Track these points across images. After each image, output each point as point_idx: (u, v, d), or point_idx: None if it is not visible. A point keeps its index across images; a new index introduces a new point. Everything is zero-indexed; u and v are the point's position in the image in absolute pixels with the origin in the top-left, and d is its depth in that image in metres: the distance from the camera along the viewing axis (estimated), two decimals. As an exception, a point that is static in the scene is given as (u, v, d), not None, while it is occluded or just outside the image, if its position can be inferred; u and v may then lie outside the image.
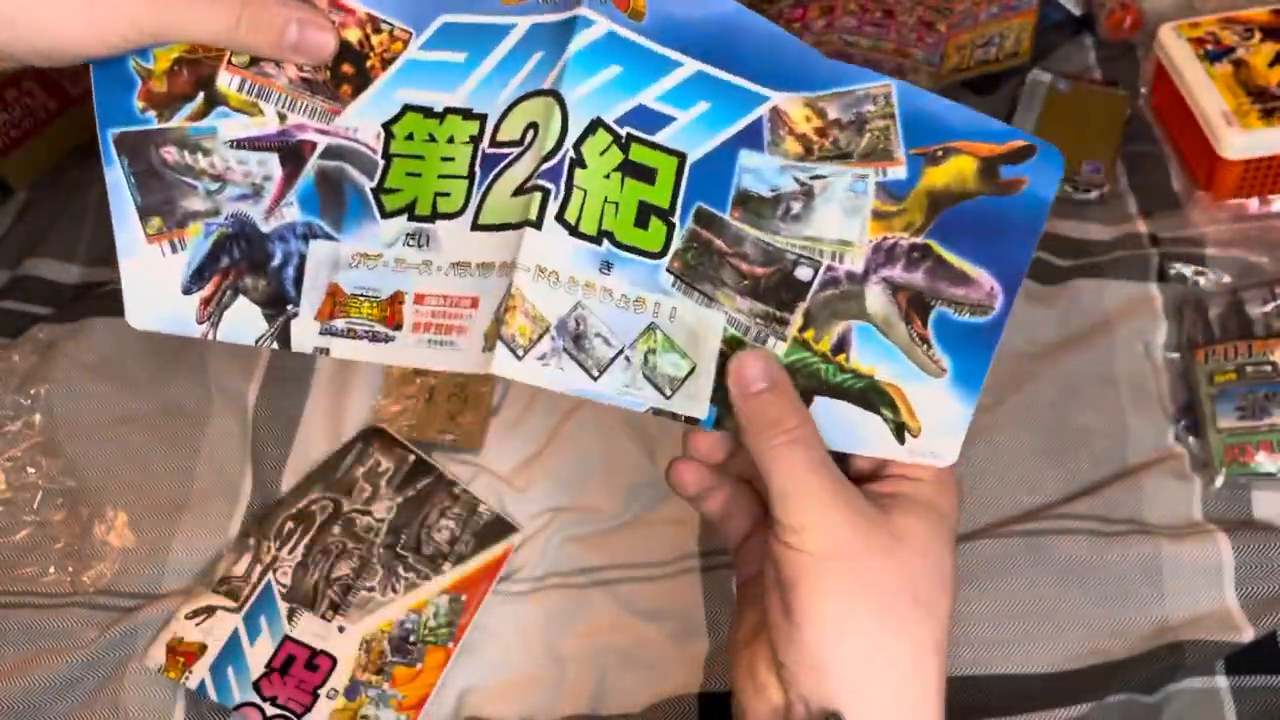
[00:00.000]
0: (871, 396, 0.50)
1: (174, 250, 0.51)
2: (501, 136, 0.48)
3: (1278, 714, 0.70)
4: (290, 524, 0.78)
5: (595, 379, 0.48)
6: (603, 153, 0.48)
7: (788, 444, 0.47)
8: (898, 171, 0.50)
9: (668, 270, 0.49)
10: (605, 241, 0.48)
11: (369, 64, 0.50)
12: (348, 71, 0.50)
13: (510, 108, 0.48)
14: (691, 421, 0.50)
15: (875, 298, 0.50)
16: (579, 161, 0.47)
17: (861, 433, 0.50)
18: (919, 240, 0.50)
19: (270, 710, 0.71)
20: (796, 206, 0.50)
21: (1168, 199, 0.93)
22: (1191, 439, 0.80)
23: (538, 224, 0.46)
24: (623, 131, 0.48)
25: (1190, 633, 0.71)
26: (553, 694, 0.74)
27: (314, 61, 0.49)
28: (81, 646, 0.74)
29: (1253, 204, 0.90)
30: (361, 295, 0.50)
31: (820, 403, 0.50)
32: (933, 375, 0.51)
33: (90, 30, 0.46)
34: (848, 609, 0.45)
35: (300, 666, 0.73)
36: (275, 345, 0.51)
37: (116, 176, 0.50)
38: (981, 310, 0.50)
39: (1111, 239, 0.91)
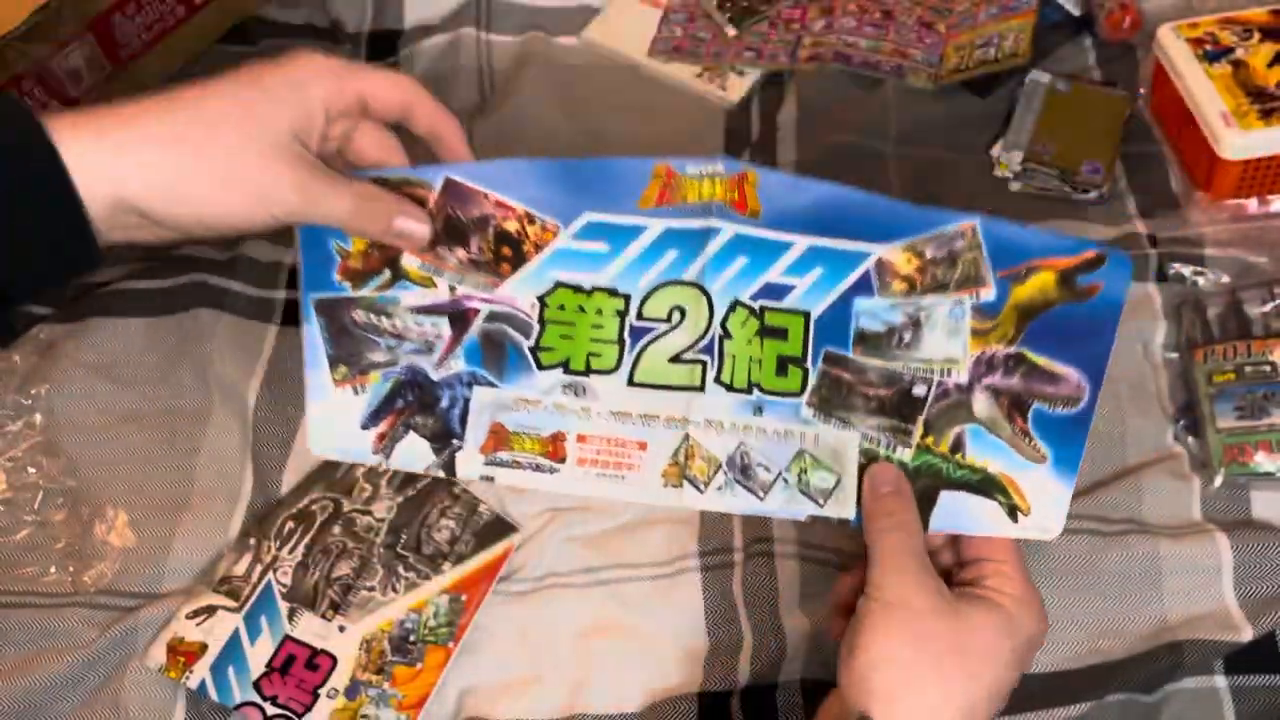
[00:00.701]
0: (987, 486, 0.60)
1: (355, 393, 0.62)
2: (647, 313, 0.61)
3: (1277, 714, 0.70)
4: (291, 524, 0.79)
5: (762, 499, 0.61)
6: (743, 324, 0.60)
7: (892, 528, 0.59)
8: (989, 294, 0.59)
9: (807, 404, 0.61)
10: (755, 391, 0.61)
11: (525, 248, 0.60)
12: (507, 253, 0.61)
13: (653, 291, 0.61)
14: (843, 523, 0.61)
15: (981, 403, 0.60)
16: (726, 335, 0.60)
17: (981, 517, 0.60)
18: (1012, 350, 0.59)
19: (271, 710, 0.72)
20: (907, 336, 0.60)
21: (1167, 199, 0.93)
22: (1190, 439, 0.80)
23: (701, 388, 0.60)
24: (756, 305, 0.60)
25: (1189, 632, 0.72)
26: (552, 694, 0.74)
27: (411, 247, 0.60)
28: (82, 646, 0.74)
29: (1251, 204, 0.90)
30: (523, 433, 0.61)
31: (945, 496, 0.60)
32: (1036, 462, 0.60)
33: (249, 212, 0.55)
34: (895, 644, 0.56)
35: (300, 666, 0.73)
36: (442, 473, 0.62)
37: (313, 332, 0.61)
38: (1072, 403, 0.60)
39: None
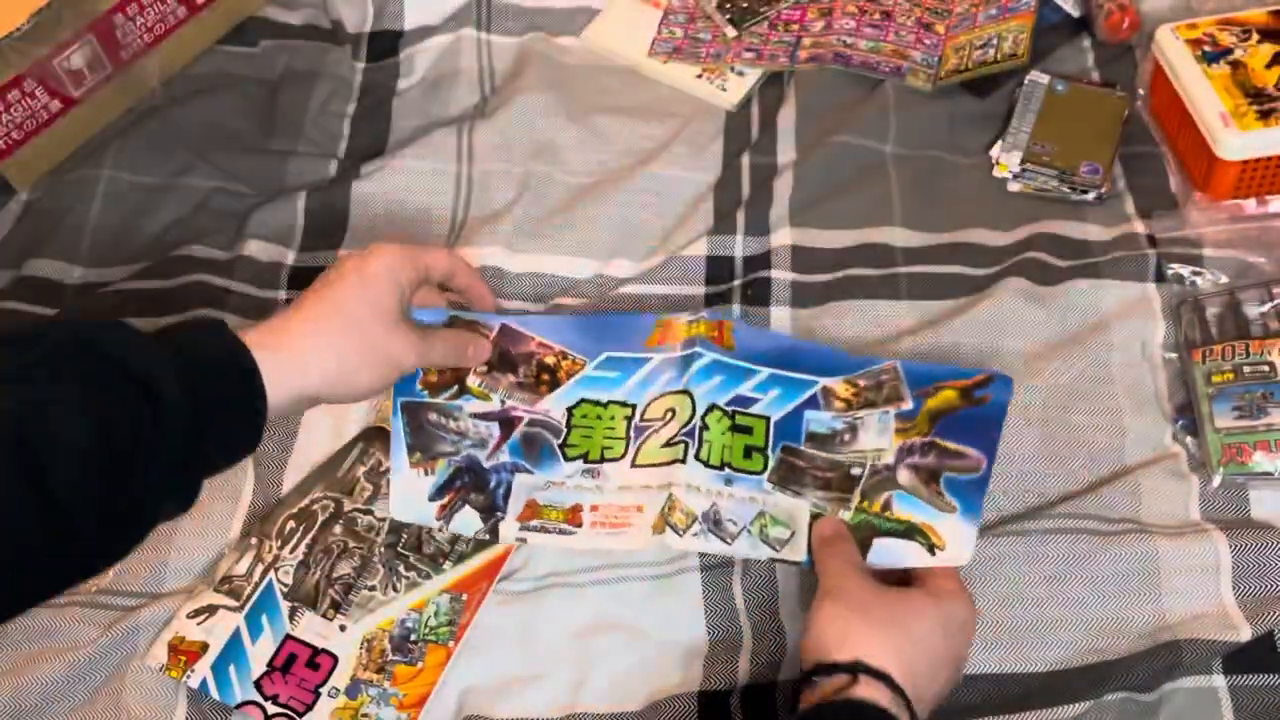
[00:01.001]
0: (911, 532, 0.75)
1: (425, 475, 0.78)
2: (648, 416, 0.79)
3: (1275, 712, 0.70)
4: (292, 523, 0.79)
5: (729, 544, 0.75)
6: (719, 421, 0.78)
7: (835, 554, 0.72)
8: (907, 406, 0.78)
9: (768, 480, 0.77)
10: (726, 468, 0.77)
11: (559, 375, 0.81)
12: (545, 379, 0.81)
13: (652, 400, 0.79)
14: (796, 564, 0.75)
15: (904, 476, 0.76)
16: (705, 427, 0.78)
17: (906, 554, 0.74)
18: (927, 439, 0.77)
19: (272, 709, 0.72)
20: (847, 437, 0.78)
21: (1165, 200, 0.93)
22: (1189, 439, 0.80)
23: (684, 461, 0.76)
24: (730, 409, 0.79)
25: (1188, 632, 0.72)
26: (553, 692, 0.74)
27: (478, 365, 0.80)
28: (83, 645, 0.74)
29: (1250, 204, 0.90)
30: (551, 506, 0.77)
31: (879, 542, 0.75)
32: (948, 513, 0.75)
33: (386, 376, 0.74)
34: (840, 610, 0.68)
35: (301, 665, 0.73)
36: (487, 536, 0.77)
37: (399, 426, 0.79)
38: (974, 471, 0.76)
39: (1109, 239, 0.91)
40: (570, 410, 0.80)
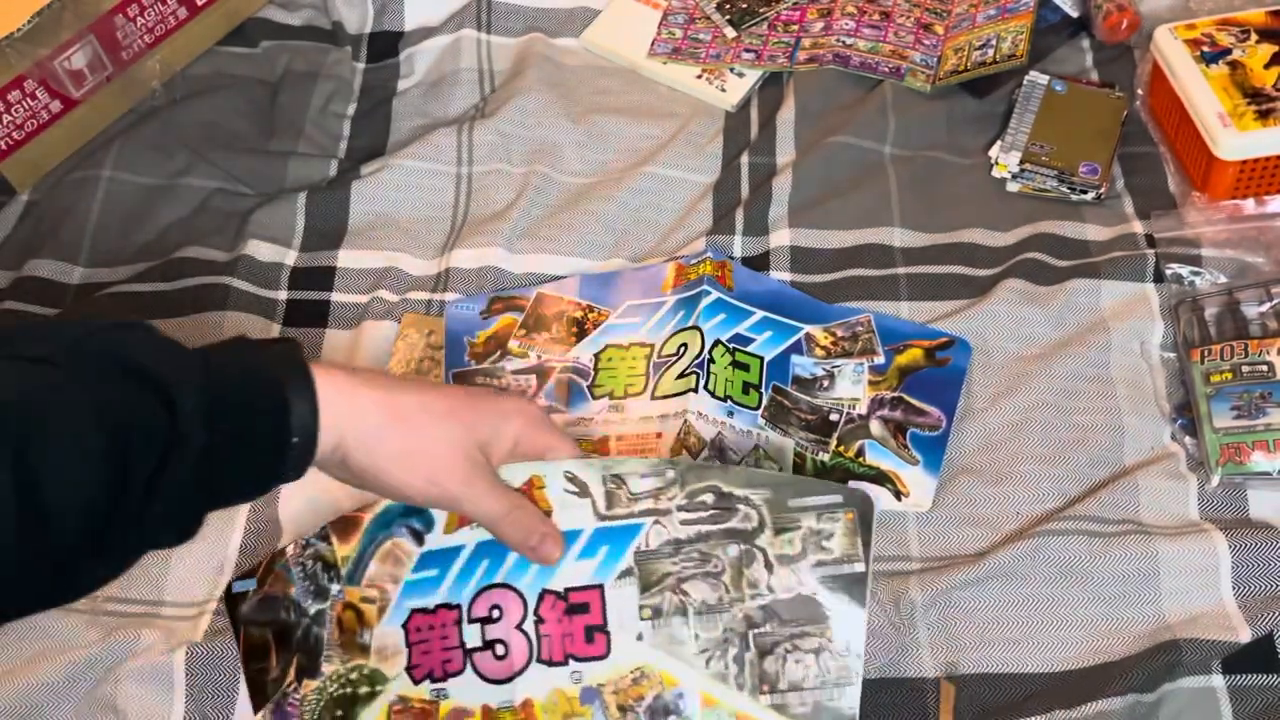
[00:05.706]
0: (880, 479, 0.81)
1: None
2: (664, 352, 0.87)
3: (1274, 712, 0.70)
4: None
5: None
6: (722, 356, 0.86)
7: None
8: (879, 360, 0.86)
9: (761, 416, 0.84)
10: (728, 401, 0.84)
11: (586, 326, 0.90)
12: (574, 330, 0.89)
13: (669, 338, 0.87)
14: None
15: (875, 427, 0.83)
16: (711, 360, 0.85)
17: (878, 497, 0.78)
18: (895, 394, 0.85)
19: None
20: (826, 383, 0.86)
21: (1164, 200, 0.93)
22: (1188, 438, 0.80)
23: (695, 391, 0.83)
24: (731, 346, 0.86)
25: (1187, 632, 0.72)
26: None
27: (540, 563, 0.66)
28: (81, 648, 0.74)
29: (1248, 205, 0.90)
30: (582, 439, 0.82)
31: (852, 484, 0.74)
32: (912, 464, 0.82)
33: (420, 488, 0.63)
34: None
35: None
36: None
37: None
38: (934, 428, 0.83)
39: (1108, 239, 0.91)
40: (597, 356, 0.88)
